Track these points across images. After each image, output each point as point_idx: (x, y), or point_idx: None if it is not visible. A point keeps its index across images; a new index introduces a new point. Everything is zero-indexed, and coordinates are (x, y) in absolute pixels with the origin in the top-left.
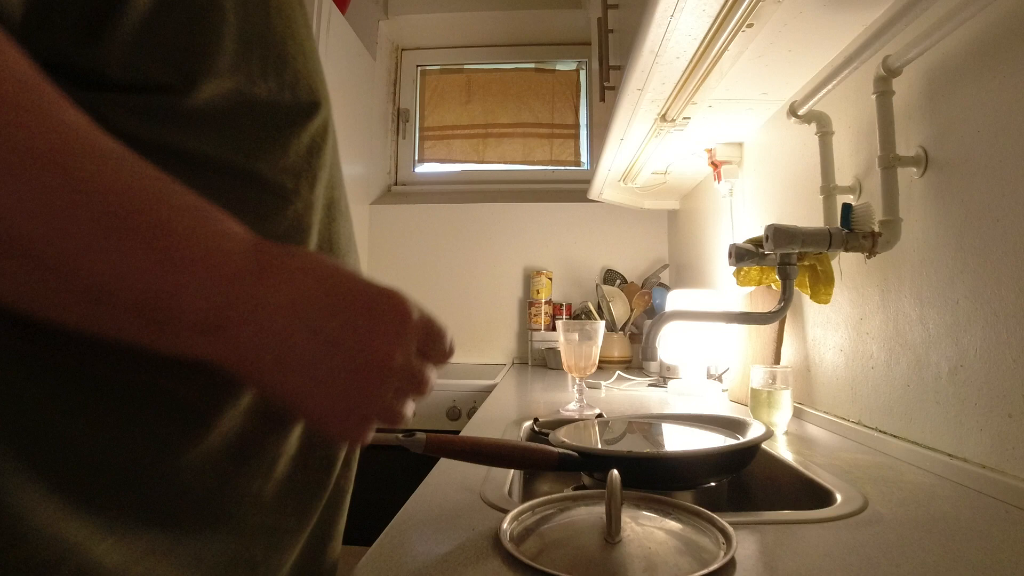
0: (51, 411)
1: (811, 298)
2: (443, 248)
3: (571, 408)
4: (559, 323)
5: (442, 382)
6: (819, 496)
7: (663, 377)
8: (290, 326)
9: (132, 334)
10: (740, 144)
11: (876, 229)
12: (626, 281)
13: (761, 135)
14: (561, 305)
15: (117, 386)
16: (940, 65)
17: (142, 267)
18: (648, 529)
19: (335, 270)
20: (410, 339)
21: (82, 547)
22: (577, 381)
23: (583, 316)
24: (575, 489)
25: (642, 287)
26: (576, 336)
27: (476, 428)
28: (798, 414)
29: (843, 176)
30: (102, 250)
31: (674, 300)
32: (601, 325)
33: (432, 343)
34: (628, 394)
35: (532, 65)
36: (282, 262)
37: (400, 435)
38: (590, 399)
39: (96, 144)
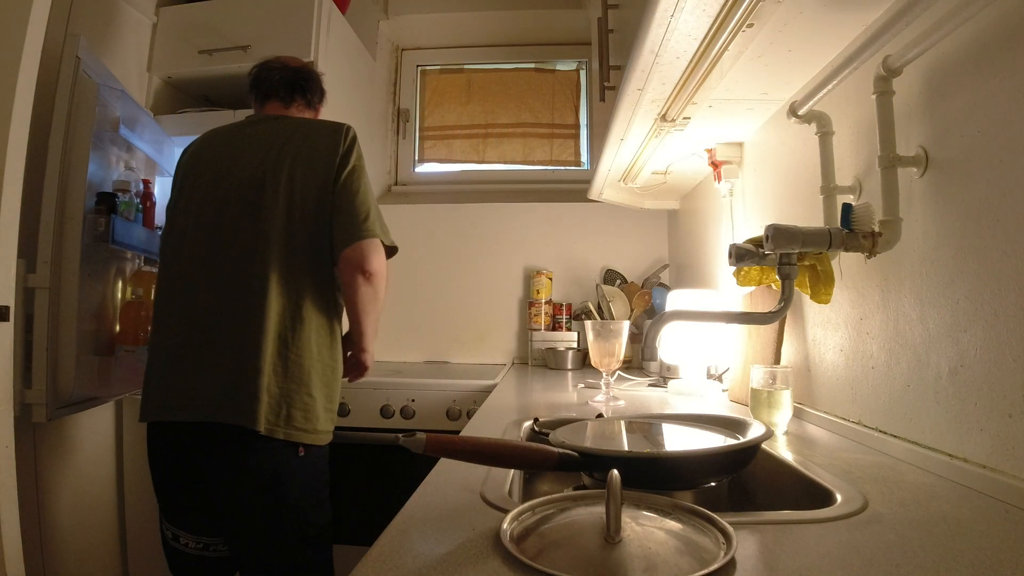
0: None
1: (811, 298)
2: (443, 248)
3: (599, 400)
4: (587, 324)
5: (442, 382)
6: (819, 496)
7: (663, 377)
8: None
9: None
10: (740, 144)
11: (876, 229)
12: (626, 281)
13: (761, 135)
14: (561, 305)
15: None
16: (940, 65)
17: None
18: (648, 529)
19: None
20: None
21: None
22: (604, 375)
23: (583, 316)
24: (575, 489)
25: (642, 287)
26: (603, 333)
27: (476, 428)
28: (798, 414)
29: (843, 176)
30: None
31: (674, 300)
32: (626, 324)
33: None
34: (628, 394)
35: (532, 65)
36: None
37: (400, 435)
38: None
39: None
